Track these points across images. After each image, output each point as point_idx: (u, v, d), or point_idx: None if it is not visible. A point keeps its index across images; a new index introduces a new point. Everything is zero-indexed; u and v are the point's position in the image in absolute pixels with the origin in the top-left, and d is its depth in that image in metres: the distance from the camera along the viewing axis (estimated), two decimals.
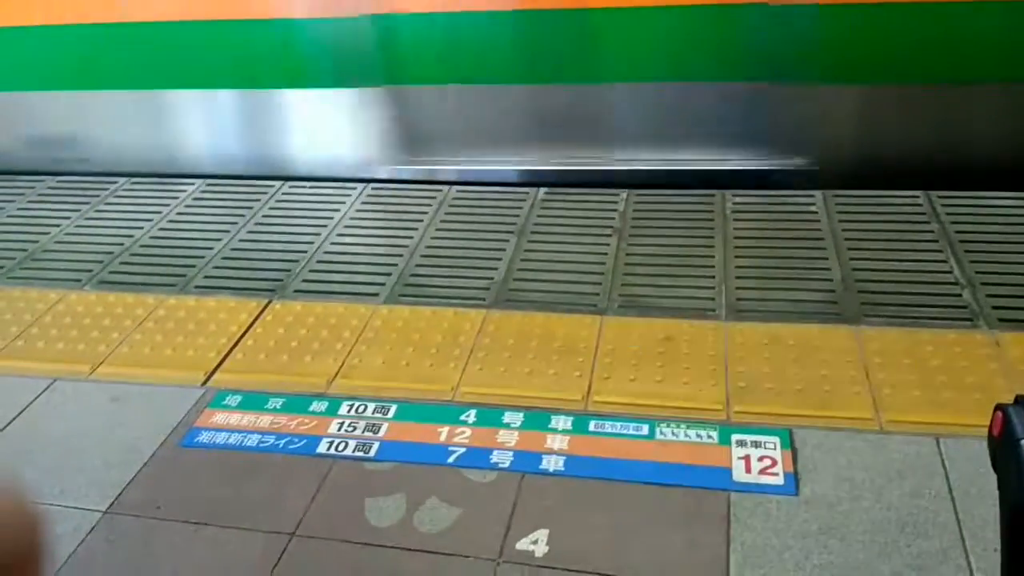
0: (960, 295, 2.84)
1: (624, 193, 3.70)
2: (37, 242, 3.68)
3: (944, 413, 2.34)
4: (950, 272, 2.96)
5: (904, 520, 2.04)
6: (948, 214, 3.31)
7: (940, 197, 3.43)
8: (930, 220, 3.29)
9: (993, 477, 1.39)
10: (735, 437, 2.33)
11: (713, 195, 3.61)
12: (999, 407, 1.30)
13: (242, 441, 2.47)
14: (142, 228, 3.74)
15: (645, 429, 2.39)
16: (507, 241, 3.40)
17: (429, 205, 3.73)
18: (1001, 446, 1.29)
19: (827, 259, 3.11)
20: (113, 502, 2.29)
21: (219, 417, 2.58)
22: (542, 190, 3.78)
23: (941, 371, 2.50)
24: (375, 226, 3.62)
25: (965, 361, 2.53)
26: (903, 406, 2.38)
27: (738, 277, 3.05)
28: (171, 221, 3.79)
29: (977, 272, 2.95)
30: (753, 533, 2.05)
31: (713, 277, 3.06)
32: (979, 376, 2.47)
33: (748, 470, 2.22)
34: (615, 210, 3.57)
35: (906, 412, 2.36)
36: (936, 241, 3.15)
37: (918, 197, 3.45)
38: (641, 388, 2.54)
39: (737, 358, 2.63)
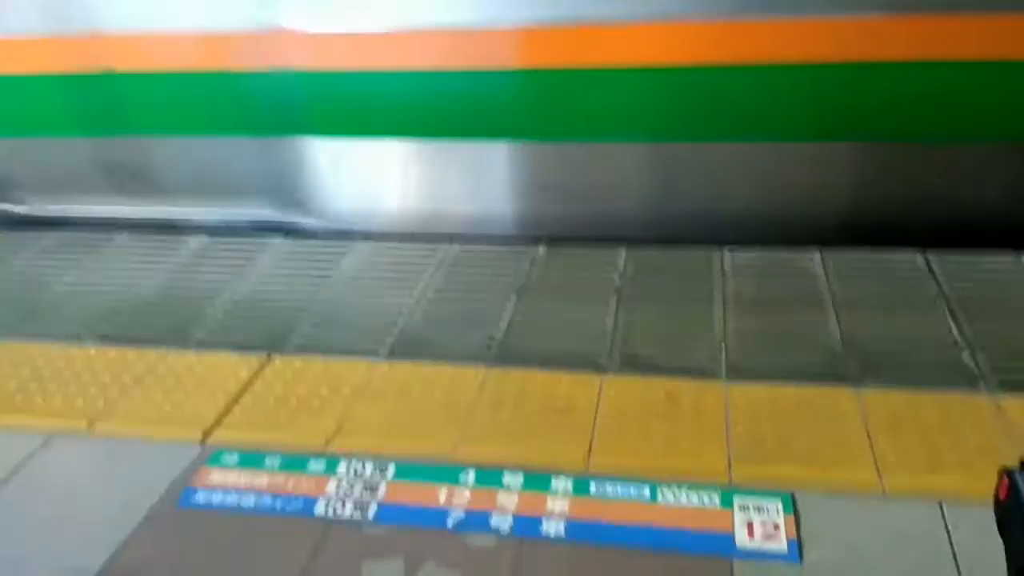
0: (960, 357, 2.84)
1: (624, 251, 3.72)
2: (39, 296, 3.68)
3: (947, 477, 2.32)
4: (949, 334, 2.97)
5: None
6: (945, 274, 3.33)
7: (937, 257, 3.45)
8: (928, 280, 3.30)
9: (997, 543, 1.38)
10: (737, 501, 2.31)
11: (712, 252, 3.64)
12: (1005, 471, 1.29)
13: (239, 501, 2.45)
14: (144, 282, 3.75)
15: (647, 492, 2.37)
16: (508, 298, 3.41)
17: (430, 261, 3.75)
18: (1007, 510, 1.28)
19: (826, 319, 3.12)
20: (106, 563, 2.25)
21: (216, 476, 2.55)
22: (542, 247, 3.80)
23: (943, 434, 2.49)
24: (377, 281, 3.63)
25: (967, 424, 2.52)
26: (906, 470, 2.37)
27: (738, 337, 3.05)
28: (174, 275, 3.80)
29: (976, 334, 2.96)
30: None
31: (713, 336, 3.07)
32: (982, 439, 2.46)
33: (751, 535, 2.20)
34: (615, 268, 3.58)
35: (909, 476, 2.34)
36: (935, 302, 3.16)
37: (915, 257, 3.47)
38: (642, 449, 2.53)
39: (738, 419, 2.62)
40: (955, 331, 2.99)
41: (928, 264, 3.43)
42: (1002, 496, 1.31)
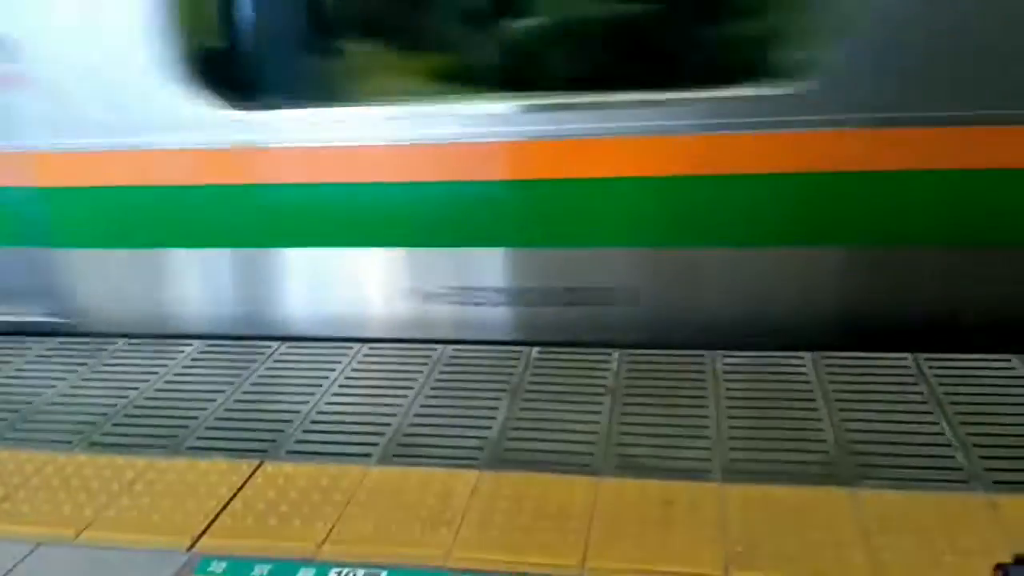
0: (953, 457, 2.85)
1: (616, 353, 3.75)
2: (31, 403, 3.68)
3: None
4: (942, 434, 2.98)
5: None
6: (935, 375, 3.36)
7: (927, 360, 3.49)
8: (918, 382, 3.33)
9: None
10: None
11: (703, 355, 3.67)
12: (999, 566, 1.30)
13: None
14: (137, 389, 3.75)
15: None
16: (500, 401, 3.42)
17: (424, 364, 3.77)
18: None
19: (819, 420, 3.13)
20: None
21: None
22: (535, 350, 3.84)
23: (940, 534, 2.47)
24: (369, 386, 3.65)
25: (963, 524, 2.51)
26: (903, 572, 2.34)
27: (732, 438, 3.05)
28: (167, 382, 3.81)
29: (968, 434, 2.97)
30: None
31: (708, 438, 3.07)
32: (978, 539, 2.43)
33: None
34: (608, 370, 3.61)
35: None
36: (926, 403, 3.18)
37: (905, 359, 3.51)
38: (638, 553, 2.49)
39: (734, 521, 2.60)
40: (948, 432, 2.99)
41: (919, 366, 3.46)
42: None
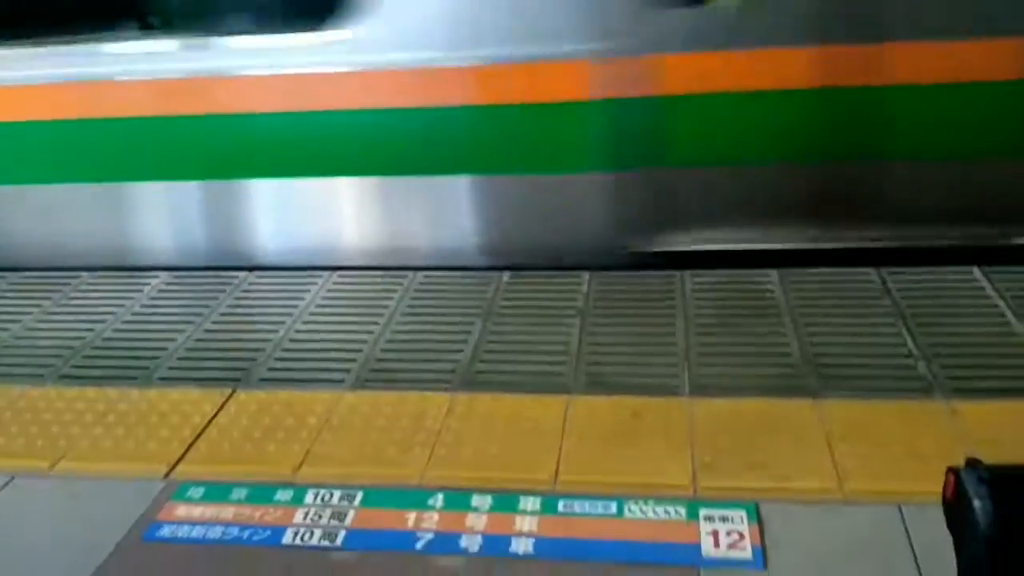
0: (915, 367, 2.92)
1: (587, 275, 3.77)
2: None
3: (905, 481, 2.37)
4: (904, 345, 3.05)
5: None
6: (899, 289, 3.42)
7: (891, 273, 3.55)
8: (882, 295, 3.39)
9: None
10: (703, 512, 2.34)
11: (674, 275, 3.70)
12: (951, 470, 1.34)
13: (205, 534, 2.42)
14: (105, 321, 3.72)
15: (614, 508, 2.39)
16: (472, 323, 3.44)
17: (395, 291, 3.77)
18: (954, 508, 1.33)
19: (785, 334, 3.19)
20: None
21: (181, 510, 2.53)
22: (506, 274, 3.85)
23: (900, 441, 2.54)
24: (340, 313, 3.65)
25: (923, 430, 2.59)
26: (865, 475, 2.42)
27: (700, 354, 3.10)
28: (134, 314, 3.78)
29: (930, 344, 3.04)
30: None
31: (676, 354, 3.11)
32: (937, 444, 2.52)
33: (716, 545, 2.23)
34: (578, 291, 3.63)
35: (868, 481, 2.39)
36: (890, 315, 3.25)
37: (869, 273, 3.56)
38: (608, 466, 2.55)
39: (702, 433, 2.66)
40: (910, 342, 3.06)
41: (883, 280, 3.52)
42: (949, 495, 1.36)
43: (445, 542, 2.31)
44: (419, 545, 2.31)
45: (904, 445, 2.52)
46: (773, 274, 3.64)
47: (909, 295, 3.37)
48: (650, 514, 2.35)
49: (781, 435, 2.62)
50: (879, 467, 2.44)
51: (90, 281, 4.13)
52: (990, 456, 1.48)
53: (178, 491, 2.61)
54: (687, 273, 3.72)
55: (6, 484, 2.70)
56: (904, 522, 2.23)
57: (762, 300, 3.45)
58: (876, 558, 2.13)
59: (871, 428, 2.61)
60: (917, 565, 2.09)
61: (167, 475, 2.70)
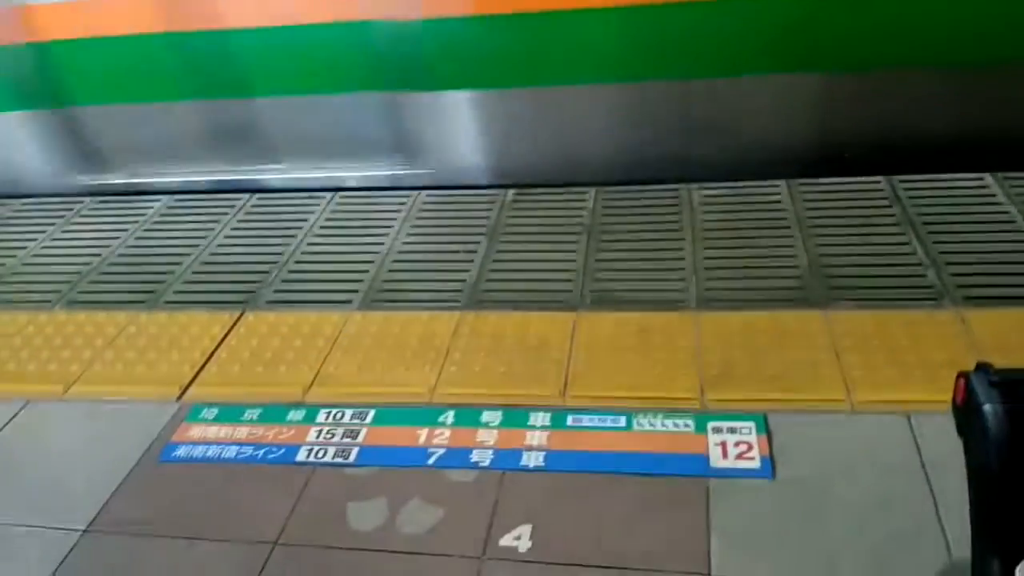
0: (925, 275, 2.89)
1: (592, 191, 3.73)
2: (4, 264, 3.64)
3: (914, 390, 2.37)
4: (914, 254, 3.02)
5: (880, 497, 2.07)
6: (909, 197, 3.37)
7: (901, 181, 3.49)
8: (892, 203, 3.34)
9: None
10: (711, 424, 2.36)
11: (679, 189, 3.65)
12: (961, 375, 1.34)
13: (220, 453, 2.46)
14: (110, 246, 3.71)
15: (622, 421, 2.41)
16: (478, 243, 3.41)
17: (399, 211, 3.74)
18: (964, 412, 1.32)
19: (793, 246, 3.16)
20: (92, 521, 2.27)
21: (196, 431, 2.56)
22: (511, 192, 3.80)
23: (909, 350, 2.54)
24: (345, 234, 3.62)
25: (933, 339, 2.58)
26: (873, 386, 2.42)
27: (707, 268, 3.08)
28: (139, 238, 3.77)
29: (940, 252, 3.00)
30: (732, 517, 2.07)
31: (683, 269, 3.09)
32: (947, 353, 2.51)
33: (725, 456, 2.25)
34: (584, 208, 3.59)
35: (877, 391, 2.40)
36: (898, 224, 3.21)
37: (879, 181, 3.50)
38: (616, 380, 2.56)
39: (709, 346, 2.66)
40: (920, 251, 3.03)
41: (893, 188, 3.47)
42: (959, 399, 1.35)
43: (456, 457, 2.34)
44: (431, 460, 2.34)
45: (913, 354, 2.52)
46: (781, 185, 3.59)
47: (919, 203, 3.32)
48: (659, 426, 2.38)
49: (789, 347, 2.62)
50: (888, 377, 2.44)
51: (93, 206, 4.11)
52: (1001, 364, 1.46)
53: (191, 412, 2.65)
54: (694, 186, 3.67)
55: (21, 409, 2.74)
56: (913, 431, 2.25)
57: (770, 211, 3.41)
58: (884, 467, 2.15)
59: (880, 338, 2.60)
60: (926, 473, 2.11)
61: (180, 397, 2.73)
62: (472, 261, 3.29)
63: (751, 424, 2.34)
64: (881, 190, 3.45)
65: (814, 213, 3.35)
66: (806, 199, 3.46)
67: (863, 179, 3.54)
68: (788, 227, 3.28)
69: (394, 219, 3.67)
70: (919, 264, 2.95)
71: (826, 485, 2.13)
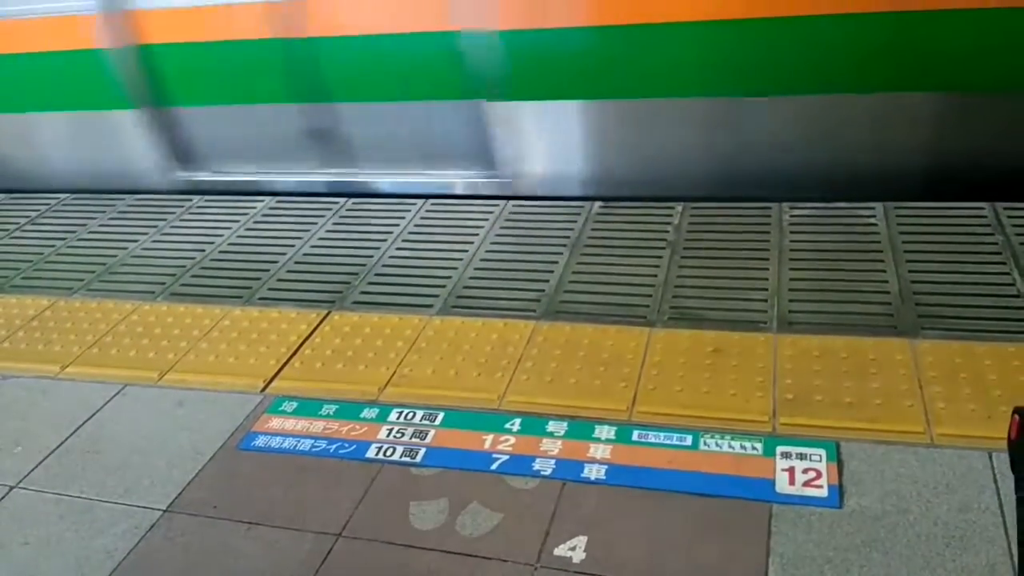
0: (1022, 308, 2.75)
1: (680, 206, 3.70)
2: (116, 256, 3.88)
3: (999, 427, 2.23)
4: (1012, 285, 2.88)
5: (951, 534, 1.99)
6: (1015, 225, 3.21)
7: (1007, 208, 3.33)
8: (995, 232, 3.20)
9: None
10: (780, 449, 2.31)
11: (770, 207, 3.59)
12: (1017, 411, 1.28)
13: (296, 445, 2.56)
14: (213, 243, 3.91)
15: (689, 440, 2.39)
16: (560, 254, 3.44)
17: (486, 219, 3.80)
18: (1018, 449, 1.27)
19: (885, 271, 3.06)
20: (173, 501, 2.40)
21: (275, 422, 2.67)
22: (597, 204, 3.81)
23: (997, 385, 2.43)
24: (432, 239, 3.71)
25: (1022, 374, 2.46)
26: (956, 420, 2.32)
27: (792, 289, 3.02)
28: (240, 236, 3.95)
29: None
30: (793, 545, 2.03)
31: (766, 289, 3.04)
32: None
33: (792, 482, 2.20)
34: (670, 223, 3.57)
35: (959, 426, 2.30)
36: (999, 253, 3.06)
37: (983, 208, 3.35)
38: (686, 399, 2.54)
39: (786, 370, 2.61)
40: (1020, 283, 2.89)
41: (996, 216, 3.31)
42: (1014, 435, 1.30)
43: (519, 464, 2.37)
44: (494, 466, 2.37)
45: (1001, 389, 2.41)
46: (878, 207, 3.48)
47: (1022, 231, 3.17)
48: (725, 448, 2.34)
49: (870, 375, 2.54)
50: (972, 412, 2.34)
51: (201, 204, 4.33)
52: None
53: (273, 405, 2.76)
54: (785, 205, 3.60)
55: (119, 392, 2.91)
56: (993, 469, 2.15)
57: (864, 234, 3.31)
58: (958, 504, 2.06)
59: (967, 371, 2.50)
60: (1002, 514, 2.01)
61: (263, 389, 2.85)
62: (552, 272, 3.32)
63: (822, 451, 2.28)
64: (984, 217, 3.31)
65: (909, 238, 3.24)
66: (902, 224, 3.34)
67: (966, 204, 3.40)
68: (881, 251, 3.18)
69: (480, 227, 3.73)
70: (1017, 296, 2.81)
71: (896, 518, 2.05)
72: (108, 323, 3.31)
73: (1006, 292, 2.84)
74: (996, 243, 3.12)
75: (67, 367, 3.07)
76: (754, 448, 2.33)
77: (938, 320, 2.75)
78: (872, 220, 3.40)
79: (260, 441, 2.60)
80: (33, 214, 4.44)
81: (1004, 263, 3.00)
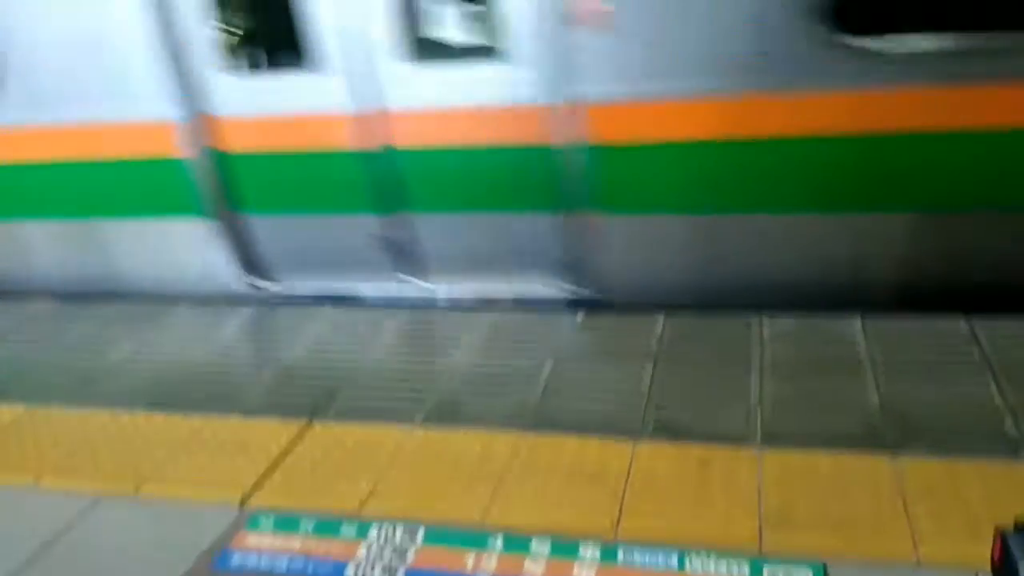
0: (1002, 424, 2.77)
1: (661, 317, 3.74)
2: (95, 364, 3.85)
3: (985, 546, 2.23)
4: (992, 400, 2.90)
5: None
6: (990, 339, 3.26)
7: (982, 322, 3.39)
8: (971, 345, 3.24)
9: None
10: (767, 569, 2.28)
11: (750, 319, 3.63)
12: (999, 531, 1.28)
13: (272, 565, 2.50)
14: (196, 350, 3.89)
15: (675, 560, 2.35)
16: (543, 364, 3.45)
17: (469, 328, 3.82)
18: (1001, 571, 1.27)
19: (865, 385, 3.08)
20: None
21: (252, 539, 2.61)
22: (580, 314, 3.85)
23: (983, 503, 2.42)
24: (415, 348, 3.71)
25: (1008, 493, 2.45)
26: (942, 539, 2.31)
27: (774, 403, 3.03)
28: (224, 344, 3.94)
29: (1020, 400, 2.88)
30: None
31: (748, 402, 3.05)
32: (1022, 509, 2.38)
33: None
34: (653, 334, 3.60)
35: (945, 546, 2.28)
36: (978, 367, 3.10)
37: (959, 323, 3.41)
38: (672, 516, 2.51)
39: (771, 487, 2.59)
40: (998, 398, 2.92)
41: (972, 330, 3.37)
42: (996, 558, 1.30)
43: None
44: None
45: (987, 508, 2.40)
46: (855, 321, 3.53)
47: (1000, 346, 3.21)
48: (712, 568, 2.31)
49: (855, 492, 2.53)
50: (957, 531, 2.33)
51: (184, 311, 4.33)
52: None
53: (250, 520, 2.71)
54: (765, 317, 3.65)
55: (94, 505, 2.85)
56: None
57: (842, 348, 3.34)
58: None
59: (951, 489, 2.49)
60: None
61: (242, 504, 2.80)
62: (536, 381, 3.32)
63: (808, 572, 2.26)
64: (960, 332, 3.36)
65: (888, 352, 3.27)
66: (880, 337, 3.38)
67: (941, 319, 3.46)
68: (861, 365, 3.21)
69: (463, 335, 3.75)
70: (997, 411, 2.84)
71: None
72: (85, 432, 3.27)
73: (987, 408, 2.86)
74: (974, 358, 3.16)
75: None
76: (740, 569, 2.29)
77: (920, 434, 2.76)
78: (851, 333, 3.45)
79: (236, 559, 2.54)
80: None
81: (982, 376, 3.03)
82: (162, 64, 4.15)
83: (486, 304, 4.24)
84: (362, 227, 4.35)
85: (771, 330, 3.54)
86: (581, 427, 3.00)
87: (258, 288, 4.64)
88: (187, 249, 4.60)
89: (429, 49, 3.98)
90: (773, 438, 2.83)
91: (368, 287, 4.51)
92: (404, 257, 4.40)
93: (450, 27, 4.01)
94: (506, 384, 3.33)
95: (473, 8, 3.92)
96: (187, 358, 3.83)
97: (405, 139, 4.12)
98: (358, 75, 4.03)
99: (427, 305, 4.31)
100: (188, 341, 4.00)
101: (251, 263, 4.62)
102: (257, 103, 4.20)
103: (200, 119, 4.27)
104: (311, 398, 3.38)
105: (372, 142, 4.15)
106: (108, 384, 3.66)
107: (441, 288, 4.42)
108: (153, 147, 4.35)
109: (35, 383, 3.73)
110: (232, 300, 4.54)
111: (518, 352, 3.58)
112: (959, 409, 2.87)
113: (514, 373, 3.41)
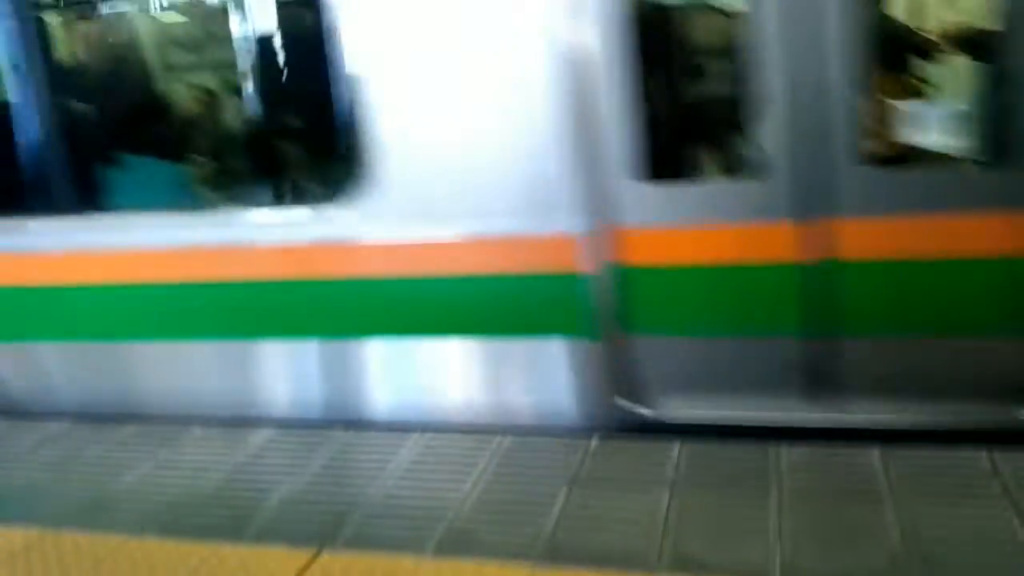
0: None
1: (677, 444, 3.71)
2: (106, 488, 3.83)
3: None
4: (1015, 535, 2.84)
5: None
6: (1011, 472, 3.22)
7: (1002, 455, 3.35)
8: (991, 478, 3.19)
9: None
10: None
11: (767, 448, 3.60)
12: None
13: None
14: (208, 475, 3.87)
15: None
16: (558, 491, 3.41)
17: (483, 454, 3.80)
18: None
19: (886, 518, 3.02)
20: None
21: None
22: (595, 440, 3.83)
23: None
24: (428, 475, 3.69)
25: None
26: None
27: (793, 535, 2.97)
28: (235, 469, 3.93)
29: None
30: None
31: (767, 534, 2.99)
32: None
33: None
34: (669, 461, 3.57)
35: None
36: (999, 500, 3.05)
37: (979, 455, 3.37)
38: None
39: None
40: (1020, 531, 2.85)
41: (992, 462, 3.32)
42: None
43: None
44: None
45: None
46: (874, 452, 3.49)
47: (1022, 478, 3.16)
48: None
49: None
50: None
51: (199, 435, 4.33)
52: None
53: None
54: (783, 447, 3.61)
55: None
56: None
57: (862, 480, 3.30)
58: None
59: None
60: None
61: None
62: (551, 510, 3.27)
63: None
64: (980, 464, 3.31)
65: (908, 484, 3.22)
66: (899, 469, 3.34)
67: (961, 450, 3.41)
68: (880, 497, 3.16)
69: (479, 462, 3.72)
70: (1021, 545, 2.77)
71: None
72: (94, 560, 3.22)
73: (1009, 541, 2.79)
74: (995, 490, 3.11)
75: None
76: None
77: (944, 570, 2.69)
78: (870, 464, 3.41)
79: None
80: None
81: (1005, 511, 2.97)
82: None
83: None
84: (777, 350, 3.88)
85: (789, 459, 3.50)
86: (596, 560, 2.93)
87: (632, 413, 4.08)
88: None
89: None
90: (794, 572, 2.77)
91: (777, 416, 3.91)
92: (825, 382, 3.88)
93: (933, 132, 3.82)
94: (519, 514, 3.28)
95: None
96: (199, 482, 3.80)
97: (854, 251, 3.69)
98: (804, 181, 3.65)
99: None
100: (201, 464, 3.99)
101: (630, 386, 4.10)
102: (677, 212, 3.83)
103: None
104: (319, 524, 3.34)
105: (812, 253, 3.73)
106: (120, 509, 3.63)
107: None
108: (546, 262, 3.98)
109: (44, 507, 3.70)
110: (590, 428, 4.04)
111: (533, 478, 3.54)
112: (983, 544, 2.81)
113: (527, 502, 3.37)
